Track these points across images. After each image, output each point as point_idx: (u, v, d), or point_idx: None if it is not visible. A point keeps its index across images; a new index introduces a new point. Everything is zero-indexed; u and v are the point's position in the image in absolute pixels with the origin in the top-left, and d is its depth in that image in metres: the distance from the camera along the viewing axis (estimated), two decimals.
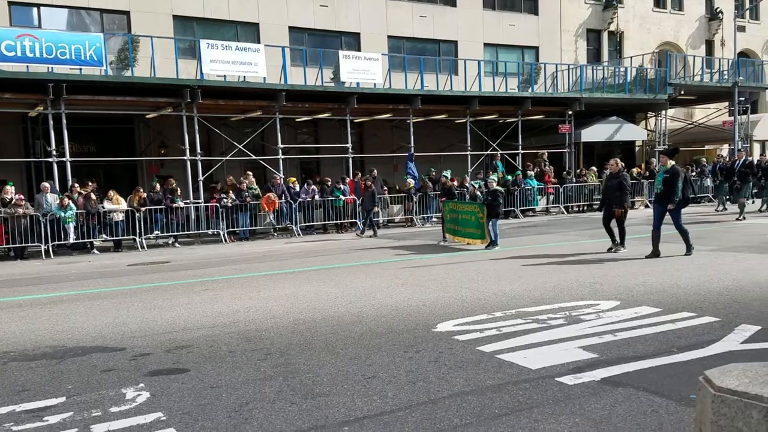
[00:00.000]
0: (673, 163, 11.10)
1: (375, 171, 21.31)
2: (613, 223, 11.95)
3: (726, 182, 19.49)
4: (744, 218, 17.39)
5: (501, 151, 24.37)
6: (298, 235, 18.85)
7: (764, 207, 20.34)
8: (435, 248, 14.29)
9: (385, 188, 21.52)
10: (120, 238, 16.87)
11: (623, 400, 4.36)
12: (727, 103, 30.39)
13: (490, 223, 13.61)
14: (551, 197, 23.97)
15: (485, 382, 4.82)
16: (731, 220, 17.42)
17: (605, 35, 32.06)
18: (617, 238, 11.97)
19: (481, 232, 13.91)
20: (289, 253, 14.47)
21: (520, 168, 24.09)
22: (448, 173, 18.42)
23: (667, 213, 11.04)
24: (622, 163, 12.58)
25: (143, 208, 16.89)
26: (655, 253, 10.96)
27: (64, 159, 17.11)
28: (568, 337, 5.98)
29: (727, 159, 22.52)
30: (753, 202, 22.27)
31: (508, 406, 4.32)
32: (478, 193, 14.64)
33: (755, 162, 21.46)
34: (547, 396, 4.48)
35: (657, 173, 11.63)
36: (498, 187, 14.19)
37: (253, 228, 18.82)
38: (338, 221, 19.89)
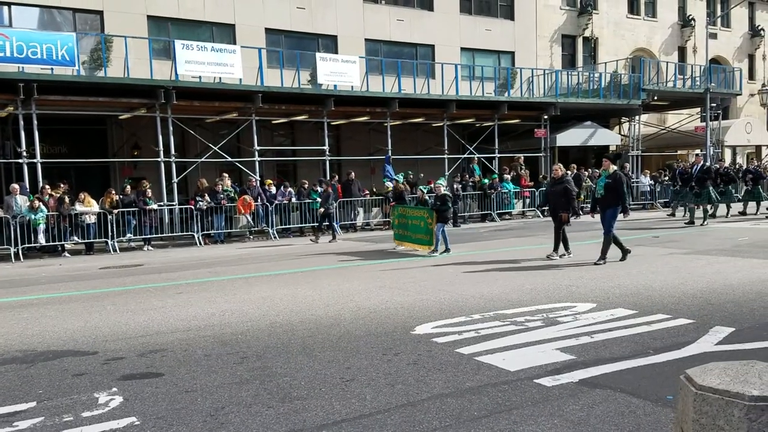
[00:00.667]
0: (615, 168, 10.94)
1: (353, 174, 21.27)
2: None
3: (685, 187, 19.09)
4: (706, 224, 17.25)
5: (478, 155, 24.47)
6: (275, 237, 18.72)
7: (725, 213, 19.98)
8: (390, 254, 14.07)
9: (366, 192, 21.45)
10: (92, 240, 16.58)
11: (601, 401, 4.37)
12: (699, 109, 30.90)
13: (438, 229, 13.20)
14: (527, 201, 24.13)
15: (464, 384, 4.81)
16: (677, 227, 17.32)
17: (580, 41, 32.42)
18: (568, 246, 11.86)
19: (429, 238, 13.48)
20: (266, 256, 14.35)
21: (496, 171, 24.22)
22: (400, 177, 17.47)
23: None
24: (566, 169, 12.52)
25: (115, 210, 16.63)
26: (603, 259, 10.89)
27: (34, 160, 16.78)
28: (546, 339, 5.99)
29: (688, 164, 22.82)
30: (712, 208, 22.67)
31: (487, 408, 4.30)
32: (428, 197, 14.12)
33: (714, 167, 21.69)
34: (525, 398, 4.48)
35: (598, 177, 11.44)
36: (446, 192, 13.79)
37: (229, 231, 18.64)
38: (315, 224, 19.77)
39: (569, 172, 12.10)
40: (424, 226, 13.66)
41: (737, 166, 22.96)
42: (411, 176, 22.30)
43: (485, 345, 5.82)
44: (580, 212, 12.42)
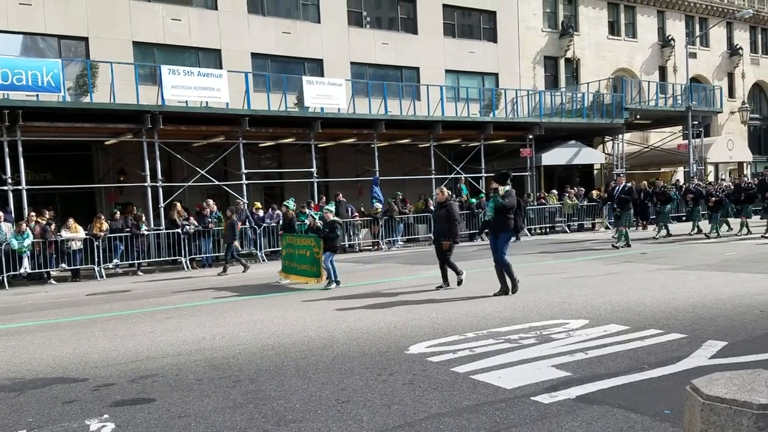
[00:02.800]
0: (507, 188, 9.83)
1: (341, 195, 21.27)
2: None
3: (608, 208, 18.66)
4: (623, 246, 16.41)
5: (465, 175, 24.60)
6: (263, 260, 18.61)
7: (660, 233, 19.35)
8: (275, 288, 12.45)
9: (356, 214, 21.44)
10: (78, 267, 16.40)
11: (599, 417, 4.35)
12: (681, 127, 31.34)
13: (326, 258, 11.94)
14: None
15: (461, 403, 4.77)
16: (601, 248, 16.91)
17: (562, 62, 32.87)
18: (449, 274, 10.87)
19: (316, 269, 12.14)
20: (255, 279, 14.25)
21: (483, 191, 24.33)
22: (290, 202, 15.36)
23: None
24: (449, 192, 11.44)
25: (102, 233, 16.47)
26: (504, 290, 9.71)
27: (20, 187, 16.64)
28: (541, 356, 5.97)
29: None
30: (638, 228, 22.45)
31: (486, 427, 4.27)
32: (319, 224, 12.76)
33: (636, 188, 20.99)
34: (523, 415, 4.45)
35: (489, 199, 10.35)
36: (335, 218, 12.53)
37: (217, 255, 18.52)
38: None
39: (454, 196, 11.16)
40: (311, 255, 12.31)
41: (696, 184, 22.12)
42: (399, 197, 22.35)
43: (480, 363, 5.79)
44: (458, 239, 10.96)
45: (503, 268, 9.75)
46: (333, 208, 13.03)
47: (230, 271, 15.89)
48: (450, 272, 10.93)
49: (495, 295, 9.63)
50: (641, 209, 21.66)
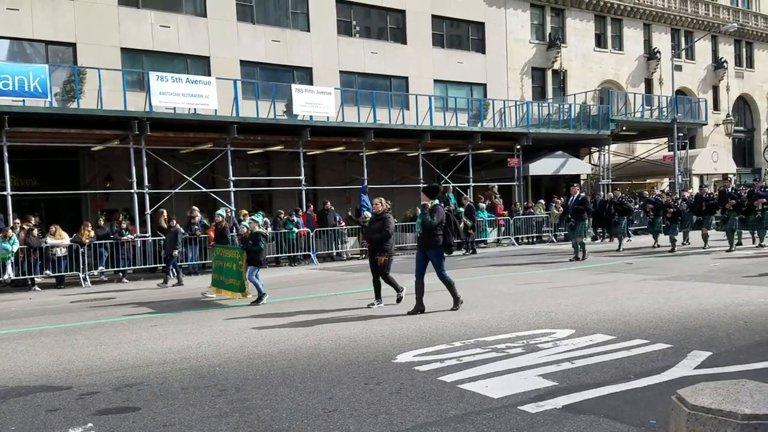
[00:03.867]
0: (435, 202, 9.48)
1: (329, 203, 21.26)
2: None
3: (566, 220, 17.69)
4: (581, 258, 16.07)
5: (453, 184, 24.66)
6: None
7: (621, 245, 18.97)
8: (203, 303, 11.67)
9: (343, 222, 21.42)
10: (63, 274, 16.24)
11: (585, 426, 4.36)
12: (666, 139, 31.64)
13: (250, 273, 11.28)
14: (502, 229, 24.30)
15: (448, 412, 4.76)
16: (557, 261, 16.53)
17: (549, 73, 33.12)
18: (397, 290, 10.26)
19: (241, 283, 11.55)
20: (187, 292, 14.13)
21: (471, 200, 24.40)
22: (222, 211, 14.28)
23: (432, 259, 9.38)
24: (388, 203, 10.70)
25: (87, 240, 16.34)
26: (419, 308, 9.19)
27: (4, 193, 16.49)
28: (528, 365, 5.99)
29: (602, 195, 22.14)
30: (605, 240, 22.10)
31: None
32: (262, 231, 11.98)
33: (602, 199, 21.02)
34: (510, 425, 4.46)
35: (418, 215, 9.89)
36: (260, 230, 11.67)
37: (203, 262, 18.41)
38: (291, 254, 19.67)
39: (389, 210, 10.37)
40: (236, 269, 11.68)
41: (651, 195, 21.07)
42: (389, 204, 22.29)
43: (467, 372, 5.79)
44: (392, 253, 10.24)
45: (446, 286, 9.36)
46: (260, 219, 12.13)
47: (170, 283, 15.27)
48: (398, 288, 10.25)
49: (409, 313, 9.06)
50: (607, 220, 20.75)
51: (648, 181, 33.89)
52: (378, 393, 5.31)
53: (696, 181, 34.83)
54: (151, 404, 5.28)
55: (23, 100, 17.21)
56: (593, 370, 5.78)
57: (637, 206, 23.79)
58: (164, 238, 17.25)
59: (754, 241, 18.44)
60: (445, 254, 9.44)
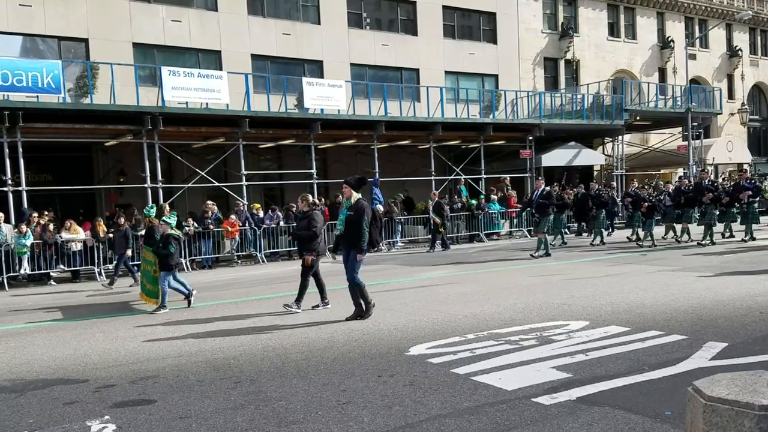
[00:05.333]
0: (359, 196, 8.56)
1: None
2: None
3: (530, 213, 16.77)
4: (543, 255, 15.36)
5: (464, 176, 24.60)
6: (263, 262, 18.61)
7: (596, 240, 18.65)
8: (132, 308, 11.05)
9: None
10: (78, 268, 16.38)
11: (600, 418, 4.35)
12: (681, 128, 31.35)
13: (162, 279, 10.35)
14: (515, 221, 24.23)
15: (462, 404, 4.77)
16: (519, 258, 15.88)
17: (562, 63, 32.88)
18: (302, 296, 9.43)
19: (156, 289, 10.64)
20: (255, 281, 14.25)
21: (483, 192, 24.34)
22: (151, 210, 12.49)
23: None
24: (314, 199, 9.91)
25: (103, 234, 16.44)
26: (359, 314, 8.44)
27: (19, 188, 16.64)
28: (541, 357, 5.98)
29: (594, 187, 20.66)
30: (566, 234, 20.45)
31: (487, 428, 4.27)
32: (189, 228, 11.26)
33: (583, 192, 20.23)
34: (524, 417, 4.45)
35: (340, 209, 9.20)
36: (172, 231, 10.60)
37: (217, 256, 18.52)
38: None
39: (316, 205, 9.60)
40: (154, 274, 10.79)
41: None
42: (406, 194, 22.23)
43: (481, 365, 5.79)
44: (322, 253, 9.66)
45: (354, 289, 8.53)
46: (172, 220, 10.91)
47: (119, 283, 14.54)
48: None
49: (348, 319, 8.35)
50: (586, 214, 19.90)
51: (662, 171, 33.60)
52: (392, 385, 5.32)
53: (711, 171, 34.50)
54: (167, 397, 5.33)
55: (37, 96, 17.32)
56: (608, 361, 5.76)
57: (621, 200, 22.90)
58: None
59: (731, 235, 17.86)
60: (371, 251, 8.72)
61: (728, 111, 38.36)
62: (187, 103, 19.69)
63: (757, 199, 16.57)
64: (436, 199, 20.51)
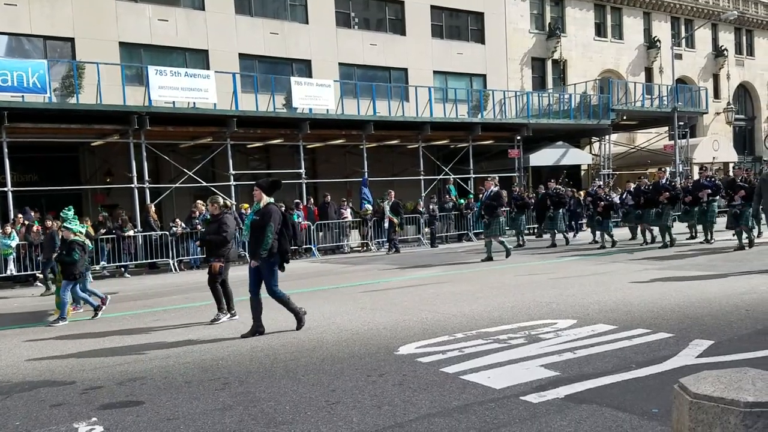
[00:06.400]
0: (270, 200, 7.83)
1: (329, 196, 21.26)
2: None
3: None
4: (499, 257, 14.97)
5: (453, 176, 24.66)
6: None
7: (564, 239, 18.31)
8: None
9: (346, 216, 21.41)
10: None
11: (588, 416, 4.37)
12: (667, 128, 31.58)
13: (63, 289, 9.67)
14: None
15: (451, 403, 4.78)
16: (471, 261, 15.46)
17: (549, 63, 33.03)
18: (223, 304, 8.98)
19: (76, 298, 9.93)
20: (243, 281, 14.15)
21: (472, 192, 24.40)
22: (68, 214, 10.23)
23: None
24: (226, 202, 9.23)
25: (94, 235, 16.33)
26: (257, 329, 7.67)
27: (5, 189, 16.50)
28: (530, 356, 6.00)
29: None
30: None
31: (476, 427, 4.28)
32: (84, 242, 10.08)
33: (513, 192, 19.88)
34: (513, 415, 4.47)
35: (246, 215, 8.26)
36: (76, 238, 9.77)
37: (204, 256, 18.41)
38: (293, 247, 19.67)
39: (227, 208, 8.81)
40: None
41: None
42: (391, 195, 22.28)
43: (470, 363, 5.80)
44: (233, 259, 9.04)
45: (280, 302, 7.83)
46: (75, 226, 10.03)
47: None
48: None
49: (243, 336, 7.59)
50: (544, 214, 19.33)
51: (649, 170, 33.80)
52: (381, 385, 5.33)
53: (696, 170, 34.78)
54: (154, 398, 5.30)
55: (22, 96, 17.19)
56: (595, 359, 5.79)
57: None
58: (166, 232, 17.29)
59: (693, 236, 17.35)
60: (281, 264, 7.84)
61: (714, 110, 38.68)
62: (174, 102, 19.61)
63: (717, 198, 15.77)
64: (393, 198, 20.42)
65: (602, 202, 16.85)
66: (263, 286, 7.76)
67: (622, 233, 18.91)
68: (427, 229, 22.09)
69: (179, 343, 7.52)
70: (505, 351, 6.22)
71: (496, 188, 15.57)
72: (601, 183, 17.98)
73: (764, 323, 6.89)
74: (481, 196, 16.39)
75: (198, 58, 23.60)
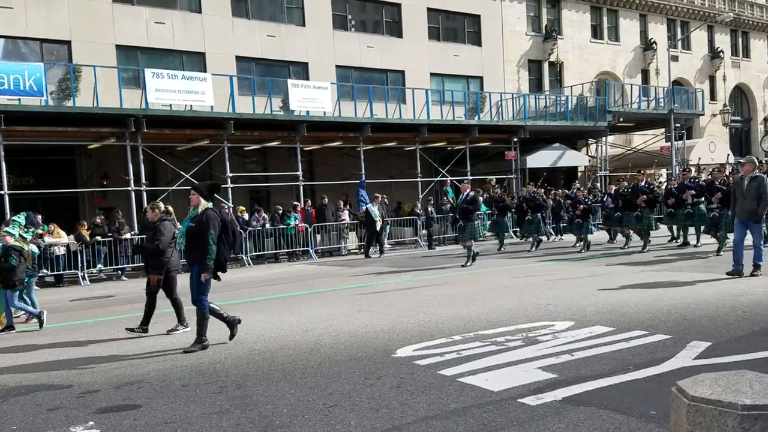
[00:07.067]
0: (208, 205, 7.34)
1: (326, 198, 21.26)
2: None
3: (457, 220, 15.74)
4: (468, 263, 14.59)
5: (450, 178, 24.66)
6: (249, 265, 18.54)
7: (534, 247, 17.91)
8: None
9: (344, 218, 21.39)
10: (61, 272, 16.23)
11: (586, 418, 4.37)
12: (663, 130, 31.64)
13: (6, 298, 9.31)
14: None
15: (449, 406, 4.77)
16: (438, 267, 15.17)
17: (546, 65, 33.08)
18: (180, 321, 8.40)
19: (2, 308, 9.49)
20: (240, 284, 14.19)
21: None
22: (14, 229, 9.75)
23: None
24: (166, 206, 8.92)
25: (89, 238, 16.32)
26: (200, 342, 7.19)
27: (2, 192, 16.46)
28: (527, 358, 6.00)
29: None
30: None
31: (473, 430, 4.28)
32: (30, 248, 9.68)
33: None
34: (511, 418, 4.47)
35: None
36: (15, 243, 9.30)
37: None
38: (290, 249, 19.67)
39: (169, 214, 8.65)
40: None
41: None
42: (386, 200, 22.34)
43: (467, 366, 5.80)
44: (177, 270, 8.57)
45: (199, 314, 7.28)
46: (15, 231, 9.57)
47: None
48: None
49: (185, 351, 7.10)
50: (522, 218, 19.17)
51: (646, 172, 33.85)
52: (378, 388, 5.32)
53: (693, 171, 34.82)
54: (151, 402, 5.29)
55: (19, 99, 17.16)
56: (593, 362, 5.79)
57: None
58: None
59: (675, 239, 16.87)
60: (218, 274, 7.41)
61: (710, 112, 38.77)
62: (171, 105, 19.59)
63: (702, 199, 15.24)
64: (380, 200, 20.52)
65: (581, 205, 16.74)
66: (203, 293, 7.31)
67: (600, 236, 18.93)
68: (424, 231, 22.12)
69: (176, 346, 7.50)
70: (503, 353, 6.21)
71: (472, 192, 15.43)
72: (580, 185, 17.82)
73: (761, 325, 6.90)
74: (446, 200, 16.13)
75: (195, 60, 23.59)
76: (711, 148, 33.62)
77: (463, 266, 14.58)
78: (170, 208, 8.80)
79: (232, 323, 7.46)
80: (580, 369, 5.56)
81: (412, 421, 4.48)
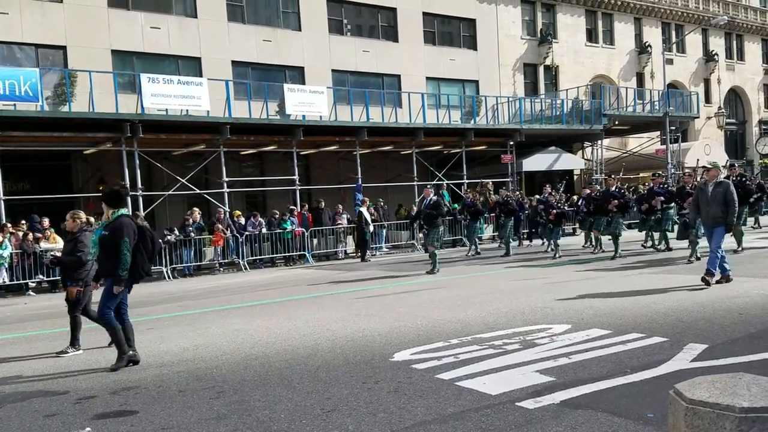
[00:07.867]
0: (122, 212, 6.89)
1: (323, 202, 21.24)
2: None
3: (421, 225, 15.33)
4: (433, 270, 14.29)
5: (447, 181, 24.70)
6: (246, 269, 18.52)
7: (505, 253, 17.85)
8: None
9: (340, 222, 21.37)
10: (57, 278, 16.16)
11: (584, 421, 4.38)
12: (659, 132, 31.74)
13: None
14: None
15: (446, 410, 4.77)
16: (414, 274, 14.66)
17: (541, 69, 33.17)
18: (76, 336, 7.86)
19: None
20: (237, 288, 14.17)
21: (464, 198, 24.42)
22: None
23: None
24: (87, 217, 8.36)
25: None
26: (129, 358, 6.82)
27: None
28: (525, 361, 6.00)
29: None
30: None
31: None
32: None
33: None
34: (509, 421, 4.47)
35: (96, 229, 7.52)
36: None
37: (198, 264, 18.40)
38: (287, 254, 19.66)
39: (90, 225, 8.14)
40: None
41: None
42: (382, 203, 22.36)
43: (465, 369, 5.80)
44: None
45: (107, 329, 6.92)
46: None
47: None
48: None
49: (112, 369, 6.67)
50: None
51: (641, 174, 33.97)
52: (376, 392, 5.31)
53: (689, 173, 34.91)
54: (148, 407, 5.27)
55: (14, 104, 17.14)
56: (590, 364, 5.79)
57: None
58: (181, 237, 17.21)
59: (647, 243, 16.62)
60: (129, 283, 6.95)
61: (705, 115, 38.89)
62: (167, 110, 19.58)
63: (672, 204, 15.20)
64: (368, 204, 20.50)
65: (554, 210, 16.60)
66: (123, 308, 7.03)
67: (572, 241, 18.93)
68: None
69: (173, 351, 7.48)
70: (501, 356, 6.22)
71: (435, 197, 15.16)
72: (552, 190, 17.80)
73: (757, 327, 6.92)
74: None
75: (191, 65, 23.57)
76: (706, 150, 33.70)
77: (428, 273, 14.24)
78: (92, 219, 8.32)
79: (123, 352, 6.78)
80: (578, 372, 5.57)
81: (410, 426, 4.47)
